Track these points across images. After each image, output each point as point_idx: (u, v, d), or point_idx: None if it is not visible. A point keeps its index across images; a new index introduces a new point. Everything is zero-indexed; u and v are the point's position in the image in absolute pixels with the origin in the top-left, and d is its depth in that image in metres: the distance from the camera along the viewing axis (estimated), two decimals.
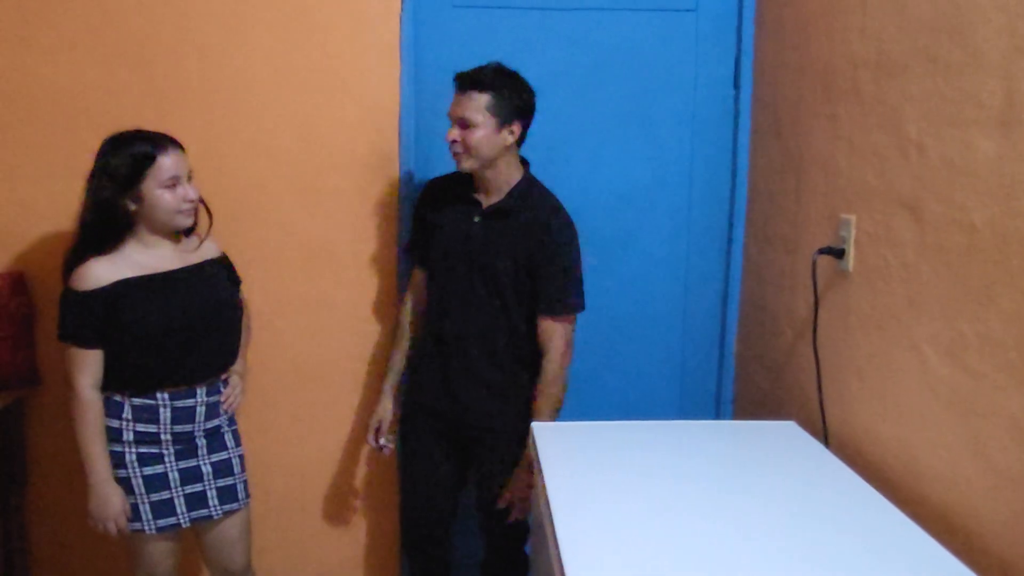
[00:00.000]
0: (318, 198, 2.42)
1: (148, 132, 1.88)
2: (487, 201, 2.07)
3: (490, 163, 2.01)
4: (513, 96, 1.99)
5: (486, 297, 2.07)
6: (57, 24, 2.29)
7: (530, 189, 2.08)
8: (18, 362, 2.30)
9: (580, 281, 2.10)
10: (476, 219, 2.07)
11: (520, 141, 2.05)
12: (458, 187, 2.12)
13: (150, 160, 1.83)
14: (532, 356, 2.12)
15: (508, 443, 2.12)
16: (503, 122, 1.97)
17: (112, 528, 1.88)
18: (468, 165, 2.00)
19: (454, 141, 1.98)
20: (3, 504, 2.39)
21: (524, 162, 2.11)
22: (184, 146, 1.92)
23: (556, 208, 2.08)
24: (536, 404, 2.08)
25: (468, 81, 1.97)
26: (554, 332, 2.06)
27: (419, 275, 2.25)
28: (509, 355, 2.10)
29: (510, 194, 2.05)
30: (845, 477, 1.63)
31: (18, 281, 2.31)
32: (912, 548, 1.34)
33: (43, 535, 2.51)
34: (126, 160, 1.82)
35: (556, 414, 2.09)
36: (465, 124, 1.96)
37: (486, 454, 2.16)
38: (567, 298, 2.06)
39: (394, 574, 2.63)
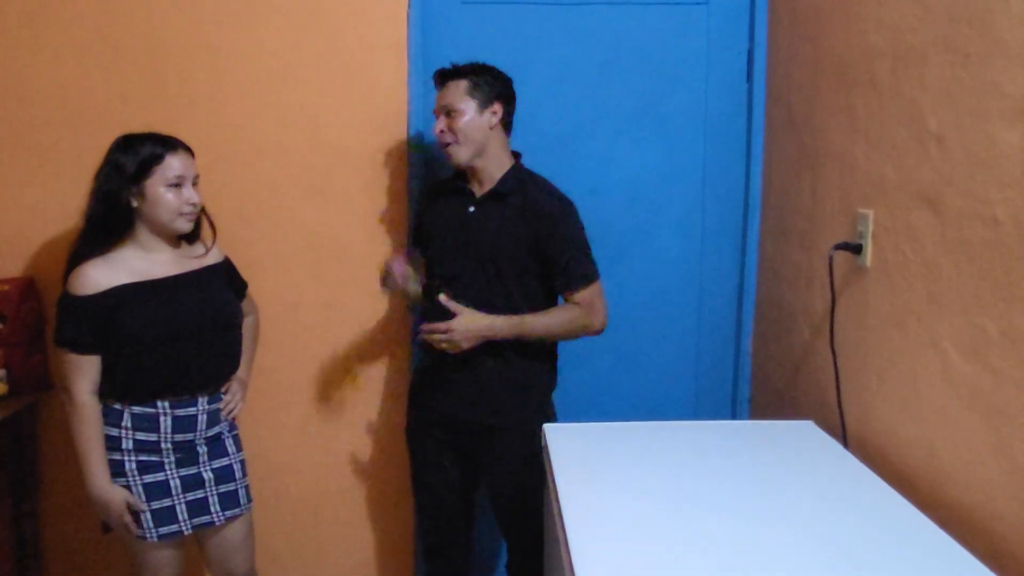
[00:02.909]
0: (326, 198, 2.41)
1: (160, 134, 1.89)
2: (480, 191, 2.10)
3: (480, 150, 2.06)
4: (489, 79, 2.06)
5: (487, 286, 2.06)
6: (65, 27, 2.29)
7: (522, 174, 2.12)
8: (30, 367, 2.30)
9: (589, 250, 2.12)
10: (471, 208, 2.09)
11: (507, 127, 2.11)
12: (452, 185, 2.17)
13: (158, 158, 1.84)
14: (538, 346, 2.13)
15: (516, 439, 2.11)
16: (484, 104, 2.04)
17: (122, 528, 1.88)
18: (460, 154, 2.04)
19: (442, 131, 2.04)
20: (16, 509, 2.40)
21: (515, 154, 2.15)
22: (193, 150, 1.92)
23: (551, 188, 2.13)
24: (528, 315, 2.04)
25: (446, 73, 2.06)
26: (593, 296, 2.08)
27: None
28: (515, 347, 2.08)
29: (503, 180, 2.09)
30: (864, 478, 1.60)
31: (28, 286, 2.31)
32: (934, 551, 1.31)
33: (56, 540, 2.51)
34: (135, 156, 1.83)
35: (543, 328, 2.05)
36: (450, 112, 2.02)
37: (494, 452, 2.14)
38: (586, 270, 2.09)
39: None
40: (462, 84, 2.02)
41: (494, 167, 2.08)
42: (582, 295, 2.07)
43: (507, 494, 2.17)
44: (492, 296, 2.06)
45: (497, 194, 2.07)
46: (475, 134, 2.03)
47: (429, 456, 2.21)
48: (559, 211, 2.08)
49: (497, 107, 2.05)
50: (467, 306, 2.01)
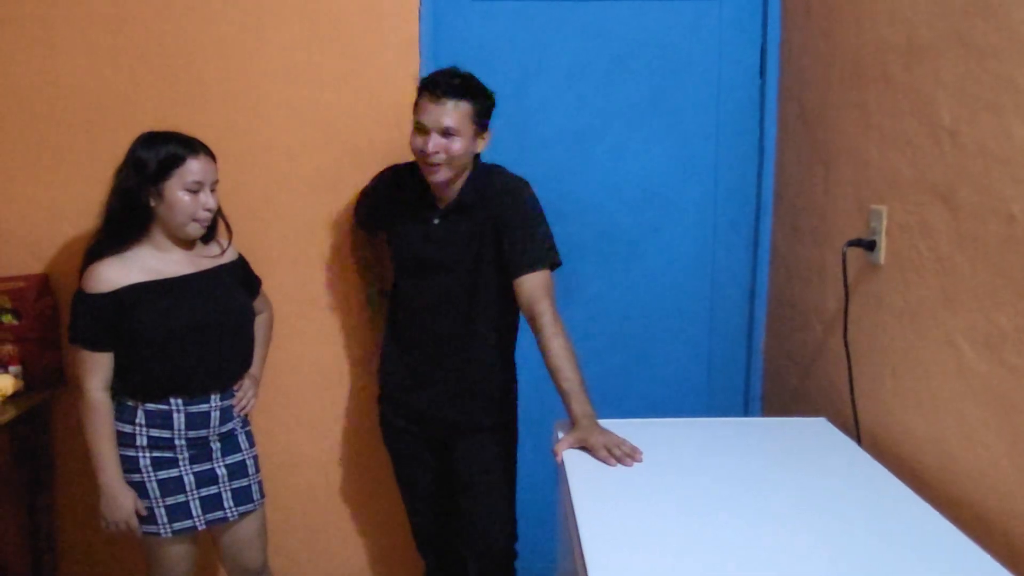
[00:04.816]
0: (338, 195, 2.41)
1: (183, 135, 1.89)
2: (443, 201, 2.01)
3: (462, 171, 1.97)
4: (487, 104, 1.94)
5: (454, 296, 2.03)
6: (79, 26, 2.31)
7: (481, 174, 2.00)
8: (44, 363, 2.32)
9: (551, 234, 1.98)
10: (435, 221, 2.01)
11: None
12: (410, 187, 2.06)
13: (179, 160, 1.84)
14: (503, 348, 2.11)
15: (482, 440, 2.10)
16: (480, 130, 1.94)
17: (124, 529, 1.89)
18: (445, 177, 1.92)
19: (436, 152, 1.86)
20: (31, 504, 2.42)
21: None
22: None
23: (506, 176, 2.02)
24: (567, 388, 1.79)
25: (450, 89, 1.87)
26: (538, 286, 1.89)
27: (364, 234, 2.29)
28: (482, 350, 2.07)
29: (464, 188, 1.98)
30: (878, 475, 1.59)
31: (43, 283, 2.32)
32: (949, 549, 1.30)
33: (70, 535, 2.53)
34: (156, 156, 1.83)
35: (579, 376, 1.81)
36: (448, 133, 1.87)
37: (462, 452, 2.12)
38: (543, 249, 1.94)
39: (417, 571, 2.62)
40: (466, 107, 1.88)
41: (461, 181, 1.98)
42: (543, 276, 1.91)
43: (472, 490, 2.13)
44: (462, 306, 2.03)
45: (462, 206, 1.98)
46: (465, 159, 1.93)
47: (406, 451, 2.21)
48: (520, 196, 1.97)
49: (487, 134, 1.96)
50: (444, 320, 2.03)
